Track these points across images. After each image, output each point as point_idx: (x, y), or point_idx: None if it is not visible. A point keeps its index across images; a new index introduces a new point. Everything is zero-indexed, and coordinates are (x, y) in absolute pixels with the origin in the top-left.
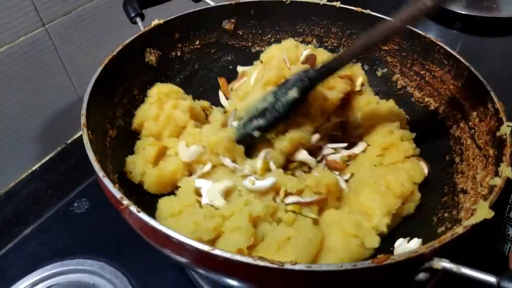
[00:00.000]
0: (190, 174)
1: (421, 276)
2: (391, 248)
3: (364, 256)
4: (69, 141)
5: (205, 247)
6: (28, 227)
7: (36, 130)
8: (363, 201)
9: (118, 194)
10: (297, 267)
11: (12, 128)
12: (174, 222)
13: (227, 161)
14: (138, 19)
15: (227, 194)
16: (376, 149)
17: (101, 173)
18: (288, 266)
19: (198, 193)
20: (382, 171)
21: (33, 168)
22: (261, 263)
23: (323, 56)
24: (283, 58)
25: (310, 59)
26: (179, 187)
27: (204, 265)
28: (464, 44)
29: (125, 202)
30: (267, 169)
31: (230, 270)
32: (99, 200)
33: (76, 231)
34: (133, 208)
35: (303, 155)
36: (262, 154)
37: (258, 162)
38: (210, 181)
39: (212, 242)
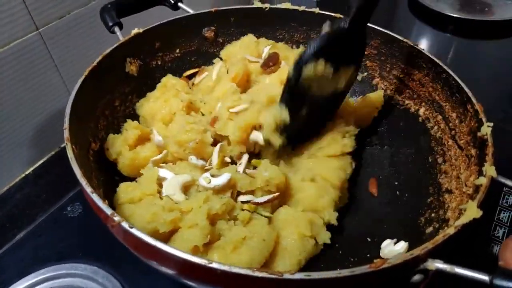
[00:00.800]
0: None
1: (416, 277)
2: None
3: (317, 252)
4: (62, 145)
5: (203, 261)
6: (21, 231)
7: (30, 134)
8: (311, 199)
9: (108, 210)
10: (296, 276)
11: (6, 132)
12: (132, 210)
13: (193, 159)
14: (116, 28)
15: (185, 188)
16: (318, 141)
17: (89, 189)
18: (287, 276)
19: (160, 183)
20: (317, 164)
21: (27, 172)
22: (260, 274)
23: (285, 52)
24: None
25: (273, 58)
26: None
27: (202, 279)
28: (457, 47)
29: (116, 218)
30: (224, 164)
31: (228, 282)
32: None
33: (69, 236)
34: (125, 224)
35: (255, 135)
36: (216, 148)
37: (214, 157)
38: (172, 173)
39: (167, 236)
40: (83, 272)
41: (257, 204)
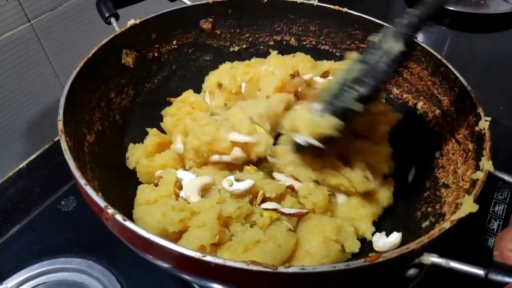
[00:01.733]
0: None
1: (411, 271)
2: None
3: (343, 260)
4: (56, 139)
5: (197, 254)
6: (15, 225)
7: (23, 128)
8: (350, 208)
9: (102, 203)
10: (290, 269)
11: None
12: (146, 210)
13: (215, 157)
14: (112, 19)
15: (205, 190)
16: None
17: (82, 181)
18: (282, 270)
19: (180, 186)
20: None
21: (20, 166)
22: (255, 268)
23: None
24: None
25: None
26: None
27: (196, 272)
28: (453, 41)
29: (110, 211)
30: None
31: (222, 276)
32: None
33: (63, 230)
34: (119, 217)
35: None
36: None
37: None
38: (194, 175)
39: (177, 235)
40: (78, 266)
41: (283, 214)
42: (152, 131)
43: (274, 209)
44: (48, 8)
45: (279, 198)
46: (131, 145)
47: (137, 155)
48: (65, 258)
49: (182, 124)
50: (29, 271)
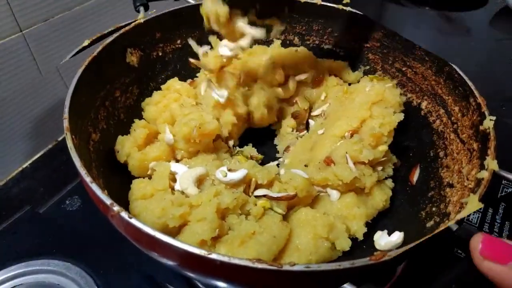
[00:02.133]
0: (177, 161)
1: None
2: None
3: (332, 258)
4: (60, 138)
5: (202, 252)
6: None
7: (27, 128)
8: (344, 206)
9: (108, 200)
10: (296, 268)
11: (2, 125)
12: (143, 206)
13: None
14: (141, 8)
15: (199, 181)
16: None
17: (88, 179)
18: (287, 268)
19: (173, 178)
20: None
21: (24, 166)
22: (260, 266)
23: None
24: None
25: (299, 115)
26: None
27: (202, 270)
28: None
29: (116, 208)
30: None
31: (228, 273)
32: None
33: (42, 233)
34: (124, 214)
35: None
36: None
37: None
38: (186, 166)
39: (177, 230)
40: (55, 268)
41: (272, 198)
42: (140, 123)
43: (265, 195)
44: (64, 9)
45: (269, 185)
46: (120, 137)
47: (127, 148)
48: (42, 260)
49: (168, 111)
50: (5, 273)
